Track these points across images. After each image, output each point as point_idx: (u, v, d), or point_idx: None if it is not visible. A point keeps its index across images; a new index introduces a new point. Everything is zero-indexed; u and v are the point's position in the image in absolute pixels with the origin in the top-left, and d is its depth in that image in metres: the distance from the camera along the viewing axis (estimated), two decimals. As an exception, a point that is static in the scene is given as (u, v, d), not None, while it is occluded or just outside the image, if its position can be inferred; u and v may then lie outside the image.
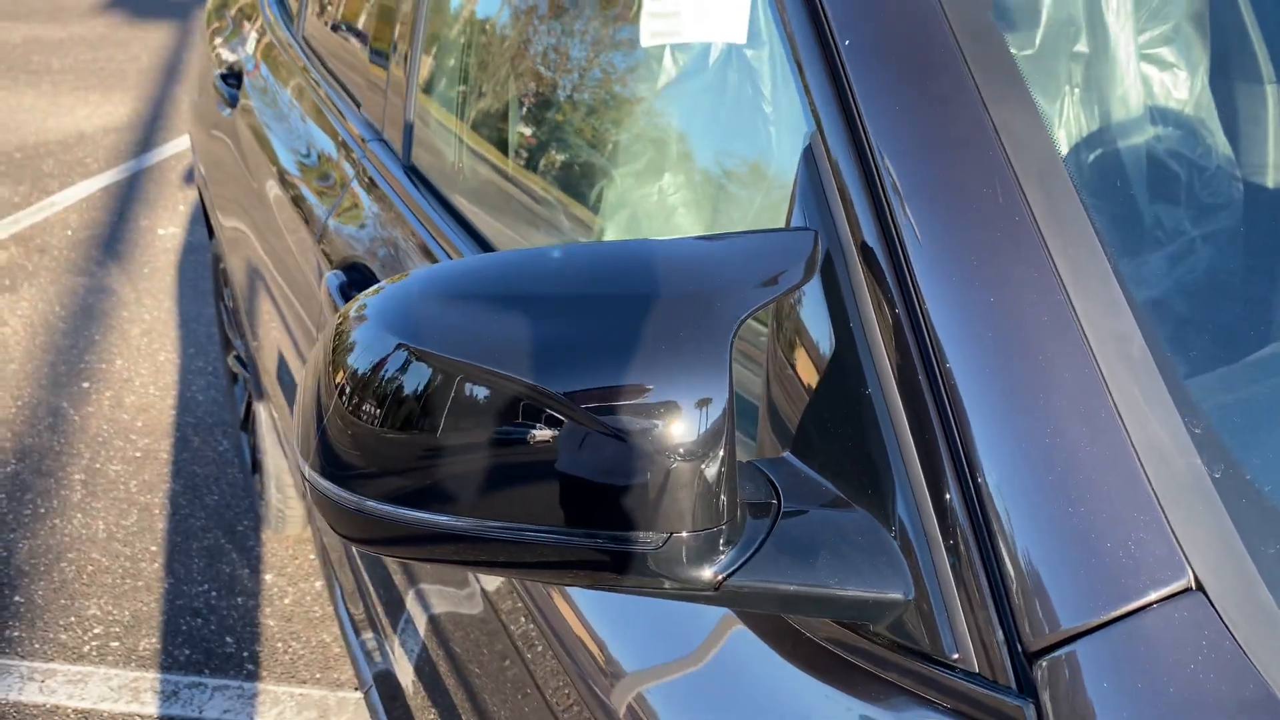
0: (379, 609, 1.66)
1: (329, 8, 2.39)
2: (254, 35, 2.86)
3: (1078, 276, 0.69)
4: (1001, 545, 0.66)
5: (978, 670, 0.67)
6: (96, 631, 2.67)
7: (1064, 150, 1.30)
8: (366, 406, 0.69)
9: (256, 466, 2.96)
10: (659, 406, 0.65)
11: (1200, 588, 0.62)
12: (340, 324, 0.73)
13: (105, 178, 5.62)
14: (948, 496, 0.69)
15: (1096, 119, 1.37)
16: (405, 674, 1.56)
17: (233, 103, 2.68)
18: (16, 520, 3.03)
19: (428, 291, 0.71)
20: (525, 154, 1.56)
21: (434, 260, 1.48)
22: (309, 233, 1.93)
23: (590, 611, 1.00)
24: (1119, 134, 1.38)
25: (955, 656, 0.68)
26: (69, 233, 4.94)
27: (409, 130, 1.72)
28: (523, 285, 0.70)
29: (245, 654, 2.63)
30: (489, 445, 0.67)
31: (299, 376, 2.05)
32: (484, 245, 1.44)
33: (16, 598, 2.75)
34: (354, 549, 1.80)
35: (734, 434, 0.66)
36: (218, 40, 3.13)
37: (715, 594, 0.69)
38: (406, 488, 0.69)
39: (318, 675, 2.58)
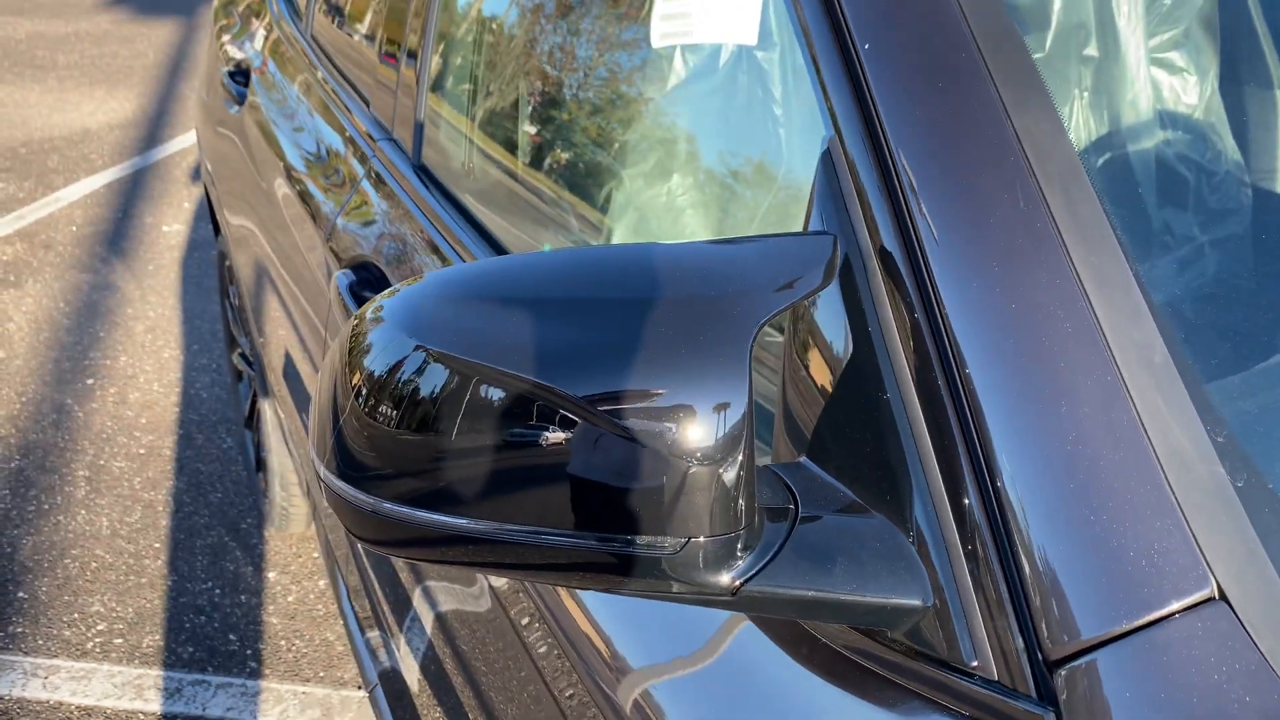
0: (384, 607, 1.66)
1: (338, 6, 2.39)
2: (262, 32, 2.86)
3: (1099, 282, 0.69)
4: (1021, 552, 0.66)
5: (996, 678, 0.67)
6: (100, 628, 2.67)
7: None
8: (383, 408, 0.69)
9: (261, 464, 2.96)
10: (678, 410, 0.65)
11: (1224, 597, 0.62)
12: (356, 326, 0.73)
13: (110, 174, 5.62)
14: (966, 502, 0.68)
15: (1106, 123, 1.36)
16: (411, 672, 1.56)
17: (240, 100, 2.67)
18: (20, 516, 3.03)
19: (445, 293, 0.71)
20: (536, 154, 1.56)
21: (445, 260, 1.48)
22: (317, 231, 1.93)
23: (600, 610, 1.00)
24: (1128, 138, 1.37)
25: (974, 664, 0.68)
26: (74, 229, 4.94)
27: (419, 129, 1.71)
28: (541, 288, 0.70)
29: (248, 652, 2.63)
30: (506, 448, 0.66)
31: (306, 374, 2.05)
32: (494, 245, 1.44)
33: (20, 594, 2.75)
34: (360, 547, 1.80)
35: (753, 438, 0.66)
36: (225, 37, 3.12)
37: (732, 599, 0.69)
38: (423, 489, 0.68)
39: (321, 673, 2.58)
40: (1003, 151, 0.73)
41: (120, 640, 2.63)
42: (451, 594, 1.35)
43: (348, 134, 2.00)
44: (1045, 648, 0.64)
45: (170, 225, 5.04)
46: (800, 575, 0.69)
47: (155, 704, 2.46)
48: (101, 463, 3.30)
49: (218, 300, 4.29)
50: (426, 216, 1.57)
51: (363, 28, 2.18)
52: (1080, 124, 1.35)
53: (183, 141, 6.14)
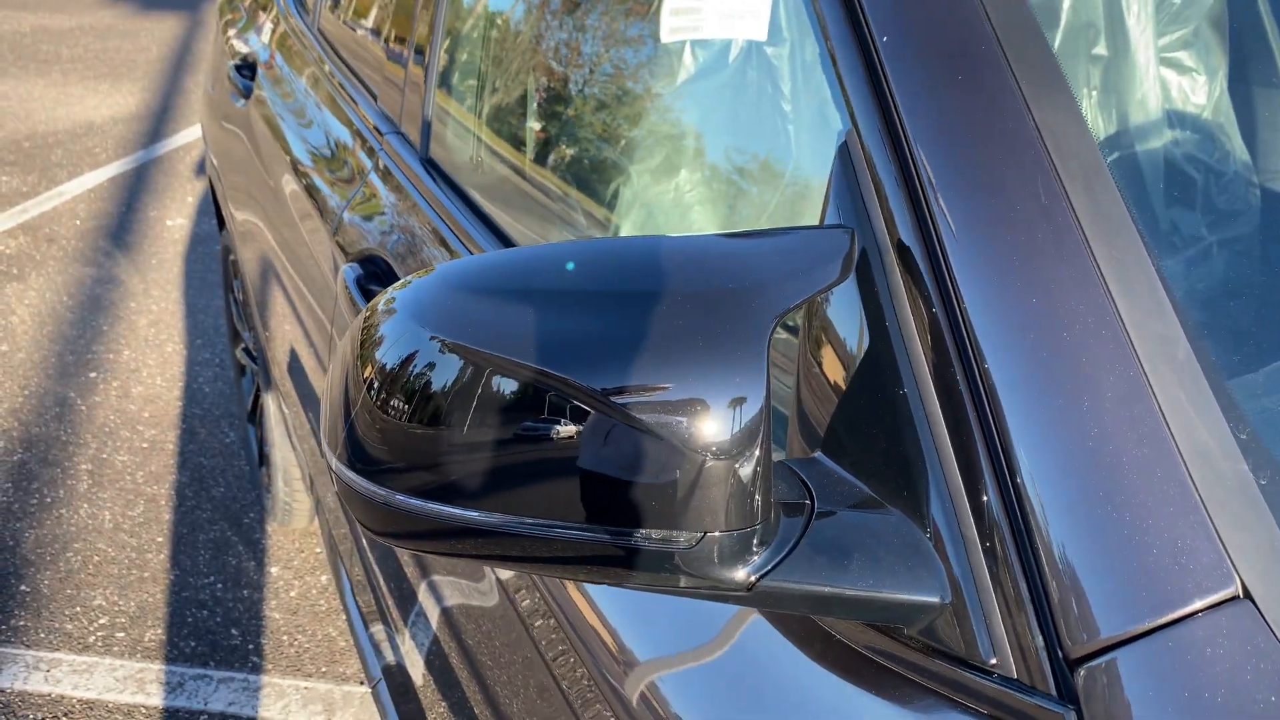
0: (389, 601, 1.66)
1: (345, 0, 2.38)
2: (269, 26, 2.85)
3: (1121, 277, 0.68)
4: (1041, 549, 0.65)
5: (1015, 676, 0.66)
6: (102, 622, 2.66)
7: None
8: (396, 400, 0.68)
9: (264, 459, 2.96)
10: (695, 404, 0.64)
11: (1248, 596, 0.61)
12: (368, 318, 0.72)
13: (113, 168, 5.62)
14: (985, 498, 0.68)
15: (1114, 122, 1.36)
16: (415, 667, 1.55)
17: (246, 94, 2.67)
18: (23, 509, 3.03)
19: (458, 284, 0.70)
20: (544, 150, 1.56)
21: (453, 254, 1.47)
22: (324, 225, 1.92)
23: (608, 603, 0.99)
24: (1136, 137, 1.37)
25: (992, 662, 0.67)
26: (77, 223, 4.94)
27: (427, 123, 1.71)
28: (556, 279, 0.69)
29: (250, 646, 2.62)
30: (520, 440, 0.66)
31: (311, 369, 2.05)
32: (503, 240, 1.44)
33: (23, 587, 2.74)
34: (365, 541, 1.79)
35: (770, 433, 0.65)
36: (231, 31, 3.12)
37: (748, 594, 0.68)
38: (436, 482, 0.68)
39: (323, 669, 2.57)
40: (1023, 145, 0.73)
41: (122, 634, 2.63)
42: (457, 588, 1.35)
43: (355, 128, 2.00)
44: (1065, 646, 0.64)
45: (174, 219, 5.04)
46: (816, 571, 0.69)
47: (157, 698, 2.46)
48: (104, 456, 3.29)
49: (221, 295, 4.28)
50: (435, 210, 1.56)
51: (371, 22, 2.18)
52: (1089, 123, 1.34)
53: (186, 136, 6.13)
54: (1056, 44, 1.28)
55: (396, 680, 1.68)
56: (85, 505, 3.07)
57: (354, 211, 1.81)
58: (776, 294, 0.67)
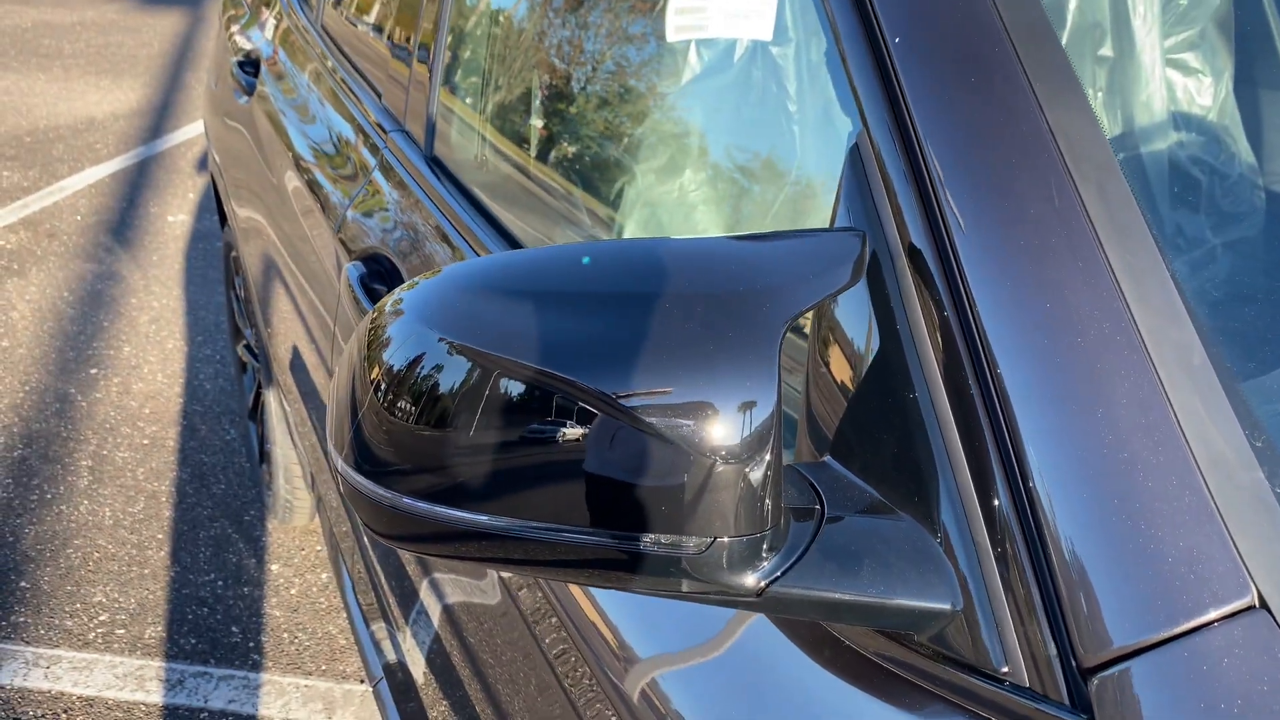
0: (390, 599, 1.65)
1: (348, -4, 2.37)
2: (272, 22, 2.85)
3: (1136, 283, 0.68)
4: (1054, 556, 0.64)
5: (1027, 684, 0.65)
6: (102, 619, 2.66)
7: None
8: (403, 402, 0.67)
9: (264, 456, 2.95)
10: (705, 407, 0.63)
11: (1264, 605, 0.61)
12: (375, 319, 0.72)
13: (115, 163, 5.61)
14: (996, 503, 0.67)
15: (1119, 124, 1.35)
16: (416, 665, 1.54)
17: (249, 90, 2.66)
18: (23, 505, 3.02)
19: (466, 285, 0.69)
20: (550, 149, 1.55)
21: (458, 252, 1.46)
22: (327, 223, 1.91)
23: (611, 603, 0.99)
24: (1141, 139, 1.36)
25: (1004, 669, 0.66)
26: (78, 218, 4.93)
27: (431, 121, 1.70)
28: (565, 281, 0.69)
29: (251, 644, 2.62)
30: (529, 443, 0.65)
31: (313, 366, 2.04)
32: (508, 239, 1.43)
33: (22, 583, 2.74)
34: (367, 539, 1.78)
35: (781, 437, 0.65)
36: (234, 27, 3.11)
37: (757, 600, 0.68)
38: (443, 485, 0.67)
39: (324, 667, 2.57)
40: (1036, 147, 0.72)
41: (122, 631, 2.63)
42: (459, 586, 1.34)
43: (359, 126, 1.99)
44: (1078, 654, 0.63)
45: (175, 215, 5.03)
46: (826, 577, 0.68)
47: (157, 695, 2.45)
48: (105, 453, 3.29)
49: (222, 291, 4.28)
50: (439, 209, 1.56)
51: (374, 18, 2.17)
52: None
53: (188, 132, 6.13)
54: (1062, 44, 1.28)
55: (397, 678, 1.67)
56: (85, 501, 3.07)
57: (357, 209, 1.80)
58: (787, 297, 0.67)
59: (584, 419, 0.64)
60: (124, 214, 5.01)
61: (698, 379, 0.63)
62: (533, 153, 1.57)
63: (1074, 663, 0.63)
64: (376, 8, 2.17)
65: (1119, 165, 0.72)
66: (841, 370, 0.78)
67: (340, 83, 2.17)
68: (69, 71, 7.19)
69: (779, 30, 1.21)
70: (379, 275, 1.60)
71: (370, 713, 2.45)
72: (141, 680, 2.49)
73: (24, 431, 3.35)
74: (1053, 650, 0.64)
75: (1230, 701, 0.58)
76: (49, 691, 2.44)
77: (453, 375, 0.66)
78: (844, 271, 0.70)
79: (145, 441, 3.36)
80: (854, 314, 0.77)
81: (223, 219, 3.25)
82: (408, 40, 1.84)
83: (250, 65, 2.75)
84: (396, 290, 0.73)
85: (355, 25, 2.28)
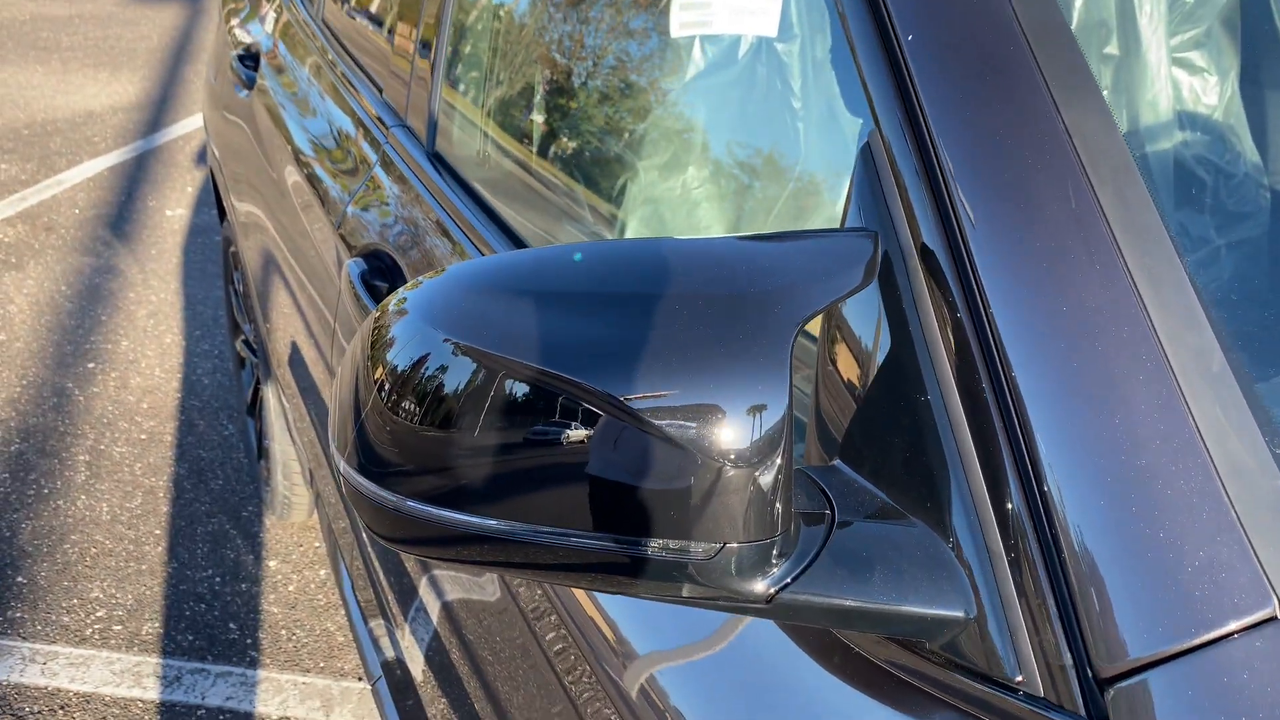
0: (389, 596, 1.64)
1: (349, -10, 2.36)
2: (272, 15, 2.83)
3: (1154, 287, 0.67)
4: (1069, 563, 0.63)
5: (1042, 694, 0.64)
6: (99, 614, 2.64)
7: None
8: (407, 403, 0.66)
9: (263, 452, 2.94)
10: (715, 410, 0.62)
11: (1286, 617, 0.60)
12: (379, 319, 0.71)
13: (113, 157, 5.59)
14: (1010, 507, 0.66)
15: (1125, 122, 1.34)
16: (415, 663, 1.53)
17: (249, 84, 2.65)
18: (20, 500, 3.01)
19: (471, 285, 0.68)
20: (553, 146, 1.54)
21: (460, 250, 1.45)
22: (327, 218, 1.90)
23: (613, 601, 0.98)
24: (1147, 138, 1.35)
25: (1018, 679, 0.65)
26: (76, 211, 4.91)
27: (433, 117, 1.69)
28: (572, 281, 0.68)
29: (248, 641, 2.61)
30: (535, 446, 0.64)
31: (312, 361, 2.03)
32: (511, 236, 1.42)
33: (19, 578, 2.73)
34: (366, 536, 1.77)
35: (792, 441, 0.64)
36: (234, 20, 3.09)
37: (766, 607, 0.67)
38: (448, 487, 0.66)
39: (321, 664, 2.56)
40: (1052, 147, 0.71)
41: (119, 627, 2.61)
42: (458, 583, 1.33)
43: (360, 121, 1.98)
44: (1095, 664, 0.62)
45: (173, 209, 5.01)
46: (837, 583, 0.67)
47: (154, 692, 2.44)
48: (102, 448, 3.27)
49: (220, 286, 4.26)
50: (441, 205, 1.54)
51: (376, 13, 2.15)
52: None
53: (186, 125, 6.11)
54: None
55: (396, 676, 1.66)
56: (83, 497, 3.05)
57: (358, 205, 1.79)
58: (799, 299, 0.65)
59: (591, 421, 0.63)
60: (122, 208, 4.99)
61: (707, 381, 0.62)
62: (535, 149, 1.56)
63: (1090, 673, 0.62)
64: (377, 2, 2.15)
65: (1136, 166, 0.71)
66: (851, 372, 0.77)
67: (341, 77, 2.16)
68: (67, 64, 7.17)
69: (784, 27, 1.19)
70: (380, 271, 1.59)
71: (368, 710, 2.44)
72: (139, 676, 2.48)
73: (21, 426, 3.33)
74: (1068, 660, 0.63)
75: (1251, 715, 0.57)
76: (46, 687, 2.43)
77: (457, 376, 0.65)
78: (856, 273, 0.69)
79: (143, 436, 3.34)
80: (864, 314, 0.76)
81: (221, 213, 3.23)
82: (409, 36, 1.83)
83: (250, 59, 2.73)
84: (400, 290, 0.72)
85: (356, 19, 2.26)
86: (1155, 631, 0.60)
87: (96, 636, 2.58)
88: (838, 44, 0.90)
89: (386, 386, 0.67)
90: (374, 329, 0.70)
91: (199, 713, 2.40)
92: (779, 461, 0.63)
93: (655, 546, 0.64)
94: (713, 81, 1.32)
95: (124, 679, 2.47)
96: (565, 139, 1.54)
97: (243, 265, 2.80)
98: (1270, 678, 0.58)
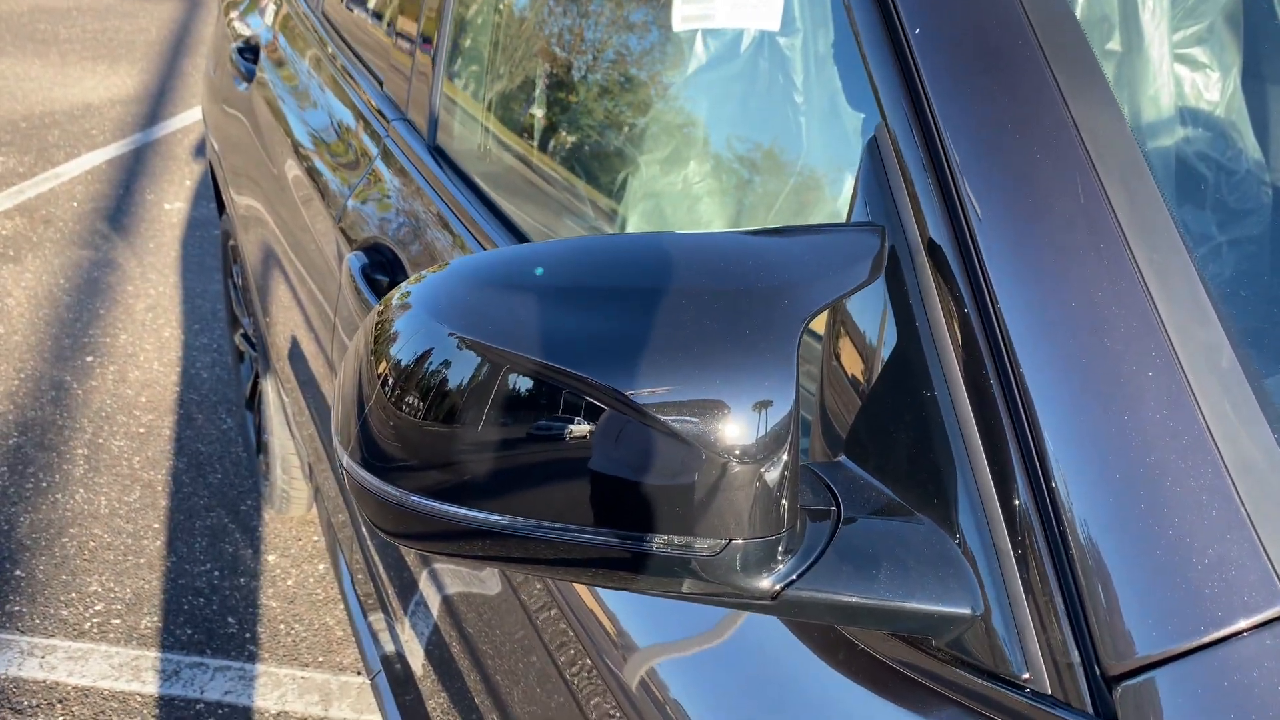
0: (389, 590, 1.64)
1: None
2: (272, 8, 2.82)
3: (1164, 282, 0.66)
4: (1076, 560, 0.63)
5: (1049, 692, 0.64)
6: (98, 608, 2.64)
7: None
8: (411, 397, 0.66)
9: (261, 446, 2.93)
10: (721, 405, 0.62)
11: (1295, 614, 0.59)
12: (382, 313, 0.70)
13: (111, 150, 5.58)
14: (1017, 504, 0.66)
15: (1127, 118, 1.34)
16: (416, 658, 1.53)
17: (249, 77, 2.64)
18: (18, 494, 3.00)
19: (475, 280, 0.68)
20: (554, 140, 1.53)
21: (462, 244, 1.45)
22: (327, 211, 1.90)
23: (615, 595, 0.97)
24: (1149, 134, 1.35)
25: (1025, 676, 0.65)
26: (74, 204, 4.90)
27: (434, 111, 1.68)
28: (578, 275, 0.67)
29: (247, 635, 2.60)
30: (540, 441, 0.63)
31: (312, 355, 2.02)
32: (513, 230, 1.41)
33: (17, 572, 2.72)
34: (365, 529, 1.77)
35: (799, 437, 0.63)
36: (234, 13, 3.08)
37: (772, 604, 0.66)
38: (452, 482, 0.66)
39: (320, 658, 2.55)
40: (1060, 141, 0.70)
41: (118, 621, 2.61)
42: (459, 577, 1.33)
43: (360, 114, 1.97)
44: (1103, 662, 0.62)
45: (172, 203, 5.00)
46: (843, 580, 0.67)
47: (152, 686, 2.44)
48: (100, 441, 3.27)
49: (219, 279, 4.25)
50: (443, 199, 1.54)
51: (376, 5, 2.15)
52: None
53: (185, 118, 6.09)
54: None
55: (395, 670, 1.66)
56: (81, 490, 3.05)
57: (359, 199, 1.78)
58: (806, 294, 0.65)
59: (595, 416, 0.62)
60: (121, 201, 4.98)
61: (713, 377, 0.62)
62: (537, 144, 1.55)
63: (1098, 670, 0.62)
64: (378, -5, 2.14)
65: (1145, 160, 0.71)
66: (857, 367, 0.77)
67: (341, 70, 2.15)
68: (65, 57, 7.15)
69: (787, 21, 1.19)
70: (380, 265, 1.59)
71: (367, 705, 2.43)
72: (137, 670, 2.48)
73: (19, 419, 3.33)
74: (1075, 657, 0.63)
75: (1261, 714, 0.57)
76: (44, 681, 2.42)
77: (461, 370, 0.64)
78: (863, 268, 0.68)
79: (141, 430, 3.34)
80: (870, 309, 0.76)
81: (220, 207, 3.23)
82: (411, 29, 1.82)
83: (250, 51, 2.72)
84: (403, 284, 0.72)
85: (355, 12, 2.26)
86: (1164, 629, 0.60)
87: (95, 630, 2.58)
88: (843, 38, 0.89)
89: (390, 381, 0.67)
90: (377, 323, 0.70)
91: (197, 707, 2.40)
92: (785, 458, 0.63)
93: (660, 542, 0.64)
94: (714, 76, 1.31)
95: (122, 673, 2.47)
96: (567, 133, 1.53)
97: (242, 259, 2.79)
98: (1280, 676, 0.58)
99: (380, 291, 1.54)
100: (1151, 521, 0.61)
